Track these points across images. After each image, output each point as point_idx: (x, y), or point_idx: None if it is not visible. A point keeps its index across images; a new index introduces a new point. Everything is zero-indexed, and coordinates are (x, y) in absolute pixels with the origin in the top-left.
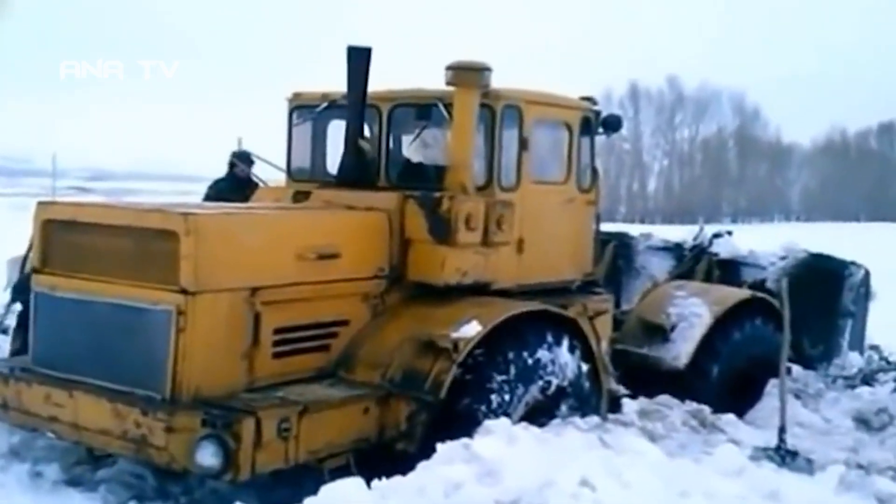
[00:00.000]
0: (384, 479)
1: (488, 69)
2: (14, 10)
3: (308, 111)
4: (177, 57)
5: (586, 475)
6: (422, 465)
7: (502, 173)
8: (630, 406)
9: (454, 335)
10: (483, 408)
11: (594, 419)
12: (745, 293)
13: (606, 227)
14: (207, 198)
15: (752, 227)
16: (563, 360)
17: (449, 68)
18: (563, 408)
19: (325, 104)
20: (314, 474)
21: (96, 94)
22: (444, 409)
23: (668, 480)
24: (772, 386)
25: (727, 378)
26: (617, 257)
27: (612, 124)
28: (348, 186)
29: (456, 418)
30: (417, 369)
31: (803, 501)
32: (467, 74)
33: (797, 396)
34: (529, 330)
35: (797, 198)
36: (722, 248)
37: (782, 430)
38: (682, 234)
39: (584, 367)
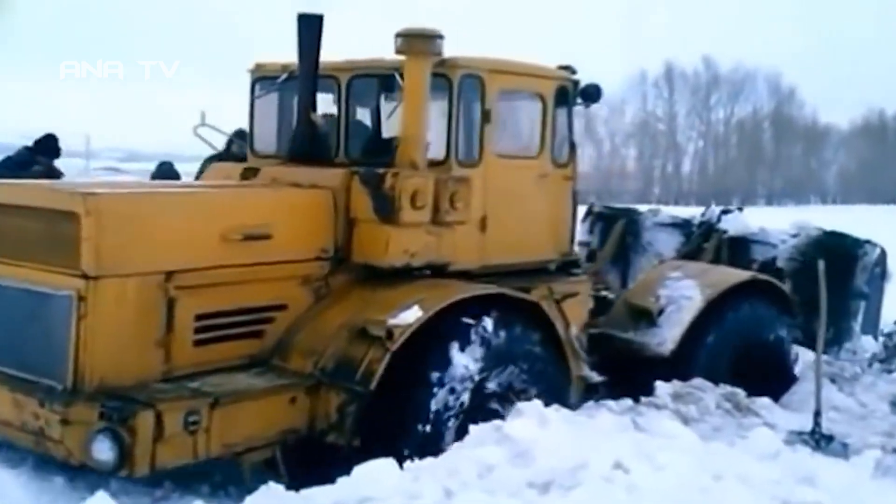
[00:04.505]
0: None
1: (440, 36)
2: (15, 9)
3: (270, 83)
4: (177, 56)
5: (619, 458)
6: (455, 447)
7: (460, 148)
8: (663, 389)
9: (391, 322)
10: (425, 400)
11: (627, 402)
12: (744, 275)
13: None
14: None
15: (787, 210)
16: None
17: (398, 35)
18: (525, 397)
19: (285, 75)
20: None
21: (128, 83)
22: (383, 401)
23: (701, 464)
24: (807, 369)
25: (720, 365)
26: (626, 234)
27: (592, 95)
28: (303, 162)
29: (393, 411)
30: (350, 358)
31: (839, 486)
32: (417, 41)
33: (833, 380)
34: (481, 315)
35: (833, 180)
36: (731, 225)
37: (818, 413)
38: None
39: (547, 354)
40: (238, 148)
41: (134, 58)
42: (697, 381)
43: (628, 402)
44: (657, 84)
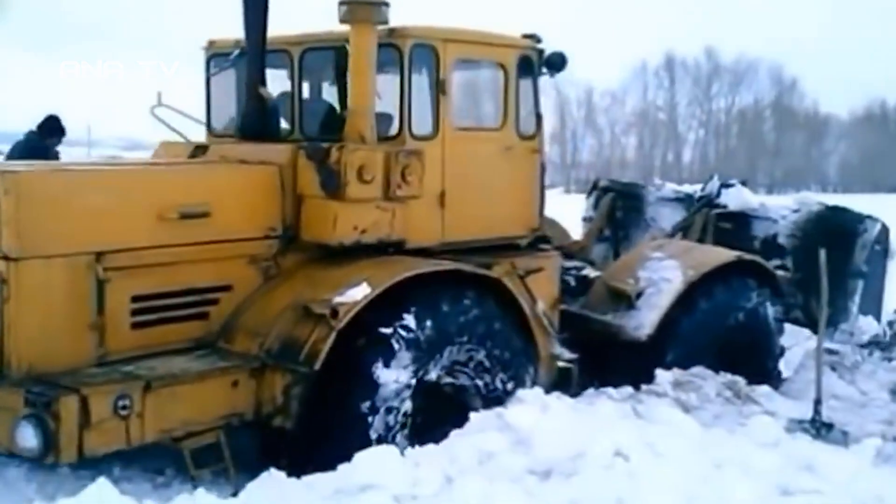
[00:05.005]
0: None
1: (385, 3)
2: (13, 10)
3: (224, 59)
4: (177, 56)
5: (620, 445)
6: (455, 434)
7: (415, 120)
8: (664, 377)
9: (336, 300)
10: (361, 432)
11: (627, 389)
12: (730, 254)
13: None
14: None
15: (788, 197)
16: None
17: (341, 4)
18: (474, 363)
19: (237, 51)
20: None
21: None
22: (329, 383)
23: (702, 451)
24: (808, 357)
25: (703, 348)
26: (615, 209)
27: (556, 64)
28: (255, 140)
29: (341, 393)
30: (295, 338)
31: (839, 474)
32: (359, 9)
33: (833, 368)
34: (439, 291)
35: (834, 169)
36: (731, 200)
37: (818, 402)
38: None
39: (510, 330)
40: None
41: (134, 58)
42: (697, 369)
43: (629, 389)
44: (658, 74)
